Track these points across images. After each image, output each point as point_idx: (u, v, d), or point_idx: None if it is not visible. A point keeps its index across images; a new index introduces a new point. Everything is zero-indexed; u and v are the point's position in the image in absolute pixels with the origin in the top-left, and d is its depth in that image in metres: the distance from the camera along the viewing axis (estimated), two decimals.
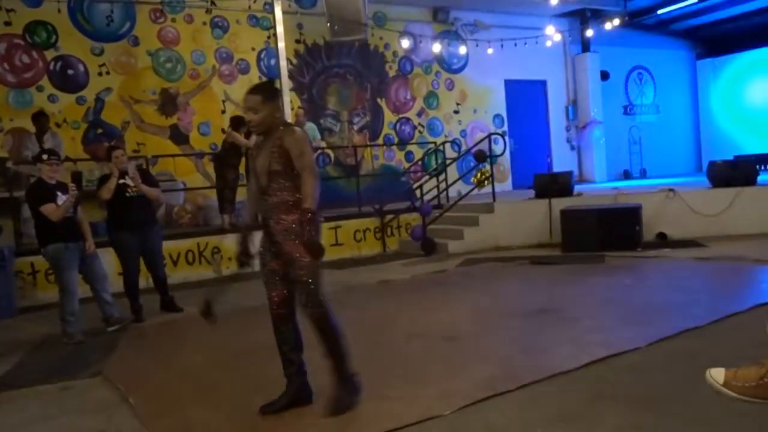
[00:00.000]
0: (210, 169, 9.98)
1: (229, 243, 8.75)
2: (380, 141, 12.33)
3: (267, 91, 3.28)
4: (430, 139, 12.64)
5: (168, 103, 10.23)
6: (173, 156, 9.91)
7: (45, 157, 5.51)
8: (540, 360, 3.86)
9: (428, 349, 4.40)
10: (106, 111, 9.72)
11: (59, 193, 5.36)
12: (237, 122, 9.06)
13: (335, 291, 6.99)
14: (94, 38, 9.65)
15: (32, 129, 8.50)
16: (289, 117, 9.09)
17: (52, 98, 9.30)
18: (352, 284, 7.33)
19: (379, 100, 12.38)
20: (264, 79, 10.92)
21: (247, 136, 9.00)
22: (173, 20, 10.30)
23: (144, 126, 10.02)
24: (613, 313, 4.98)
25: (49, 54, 9.34)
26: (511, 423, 2.93)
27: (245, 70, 10.91)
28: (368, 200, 10.29)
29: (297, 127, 3.31)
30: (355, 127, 12.11)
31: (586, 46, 14.56)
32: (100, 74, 9.66)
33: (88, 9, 9.61)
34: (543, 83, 14.36)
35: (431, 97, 12.98)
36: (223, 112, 10.45)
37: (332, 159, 11.77)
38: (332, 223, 9.64)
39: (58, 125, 9.21)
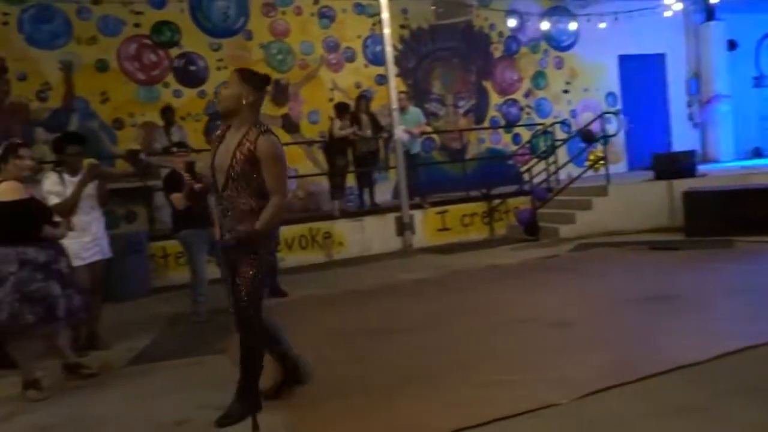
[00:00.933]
0: (320, 156, 10.30)
1: (340, 228, 9.03)
2: (486, 124, 12.13)
3: (249, 74, 3.17)
4: (538, 120, 12.26)
5: (279, 93, 10.65)
6: (285, 144, 10.31)
7: (174, 149, 5.94)
8: (661, 350, 3.68)
9: (539, 335, 4.32)
10: None
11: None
12: (338, 109, 9.27)
13: (442, 275, 7.04)
14: (212, 35, 10.21)
15: (160, 122, 9.17)
16: (395, 103, 9.17)
17: (176, 93, 9.97)
18: (459, 268, 7.32)
19: (484, 82, 12.16)
20: (369, 67, 11.07)
21: (352, 122, 9.19)
22: (283, 13, 10.66)
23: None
24: (743, 303, 4.63)
25: (173, 52, 10.00)
26: (632, 414, 2.83)
27: (351, 58, 11.10)
28: (475, 184, 10.19)
29: (274, 137, 3.14)
30: (461, 111, 11.99)
31: (710, 14, 13.45)
32: (218, 68, 10.21)
33: (206, 7, 10.18)
34: (661, 57, 13.45)
35: (539, 77, 12.57)
36: (331, 100, 10.70)
37: (438, 143, 11.75)
38: (439, 208, 9.66)
39: (182, 118, 9.85)
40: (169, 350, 4.89)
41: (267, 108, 10.50)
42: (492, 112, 12.20)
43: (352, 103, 9.72)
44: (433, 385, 3.43)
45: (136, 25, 9.74)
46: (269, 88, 3.43)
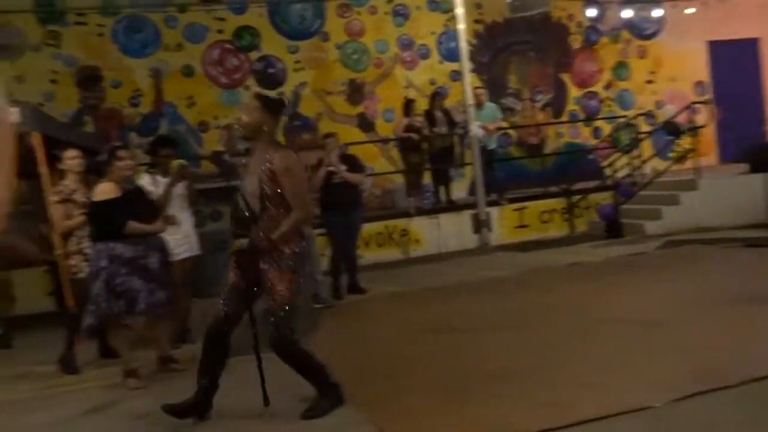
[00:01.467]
0: (395, 154, 10.35)
1: (416, 225, 9.05)
2: (564, 117, 11.80)
3: (267, 99, 3.31)
4: (620, 112, 11.81)
5: (355, 92, 10.79)
6: (361, 143, 10.43)
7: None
8: (758, 354, 3.47)
9: (626, 335, 4.17)
10: (303, 104, 10.53)
11: None
12: (404, 107, 9.26)
13: (521, 273, 6.92)
14: (290, 37, 10.47)
15: None
16: (470, 99, 9.09)
17: None
18: (539, 267, 7.18)
19: (562, 74, 11.83)
20: (444, 63, 11.03)
21: (429, 120, 9.16)
22: (358, 13, 10.79)
23: (335, 116, 10.67)
24: None
25: (253, 55, 10.33)
26: (727, 421, 2.68)
27: (426, 55, 11.09)
28: (554, 180, 9.95)
29: (288, 150, 3.24)
30: (538, 105, 11.73)
31: None
32: (296, 70, 10.47)
33: (284, 11, 10.45)
34: (754, 42, 12.64)
35: (620, 68, 12.09)
36: (406, 98, 10.75)
37: (515, 139, 11.54)
38: (517, 205, 9.50)
39: None
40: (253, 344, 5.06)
41: (342, 107, 10.69)
42: (570, 106, 11.87)
43: (426, 101, 9.70)
44: (516, 385, 3.38)
45: (219, 31, 10.13)
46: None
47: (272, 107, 3.27)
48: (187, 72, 9.94)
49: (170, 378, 4.30)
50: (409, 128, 9.05)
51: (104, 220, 4.17)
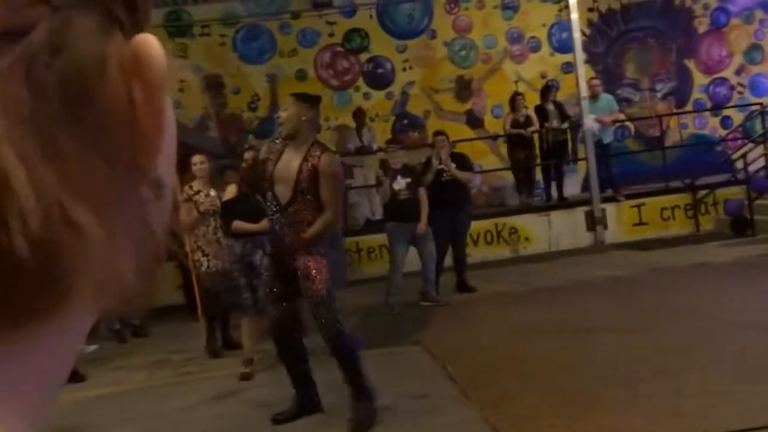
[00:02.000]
0: (504, 150, 10.18)
1: (526, 223, 8.85)
2: (689, 107, 11.04)
3: (303, 94, 3.46)
4: (753, 99, 10.86)
5: (463, 89, 10.72)
6: (469, 140, 10.36)
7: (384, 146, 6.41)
8: None
9: (756, 341, 3.85)
10: (410, 103, 10.63)
11: (399, 177, 6.06)
12: (511, 102, 9.07)
13: (640, 273, 6.58)
14: (398, 37, 10.60)
15: (352, 124, 9.75)
16: (583, 90, 8.74)
17: (366, 96, 10.52)
18: (660, 266, 6.77)
19: (686, 61, 11.07)
20: (555, 55, 10.69)
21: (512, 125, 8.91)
22: (466, 9, 10.71)
23: (443, 114, 10.68)
24: None
25: (363, 57, 10.56)
26: None
27: (536, 48, 10.80)
28: (676, 174, 9.34)
29: (335, 155, 3.35)
30: (659, 94, 11.05)
31: None
32: (404, 69, 10.58)
33: (393, 11, 10.59)
34: None
35: (754, 51, 11.12)
36: (516, 92, 10.54)
37: (632, 131, 10.96)
38: (634, 201, 9.02)
39: (371, 119, 10.38)
40: (366, 340, 5.17)
41: (450, 104, 10.67)
42: (696, 94, 11.08)
43: (537, 95, 9.46)
44: (638, 391, 3.23)
45: (330, 35, 10.45)
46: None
47: (307, 100, 3.47)
48: (301, 76, 10.34)
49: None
50: (514, 124, 8.87)
51: (223, 220, 4.55)
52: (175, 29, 10.04)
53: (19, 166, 0.21)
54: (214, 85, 10.15)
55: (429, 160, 6.64)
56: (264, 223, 4.69)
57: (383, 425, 3.30)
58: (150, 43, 0.25)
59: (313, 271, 3.22)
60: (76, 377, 4.98)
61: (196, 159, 5.24)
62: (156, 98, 0.25)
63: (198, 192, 5.11)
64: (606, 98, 9.26)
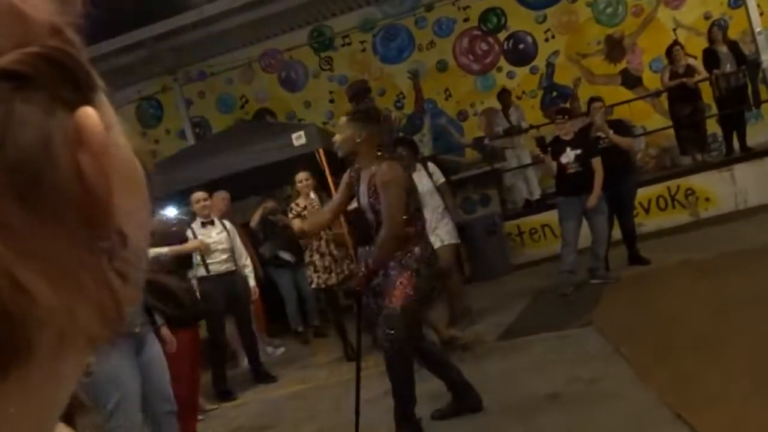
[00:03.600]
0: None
1: (704, 182, 8.03)
2: None
3: (357, 114, 3.20)
4: None
5: (614, 49, 9.98)
6: (627, 102, 9.64)
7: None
8: None
9: None
10: (557, 73, 10.13)
11: (568, 149, 5.86)
12: (667, 52, 8.19)
13: None
14: (535, 8, 10.16)
15: (498, 106, 9.55)
16: (757, 23, 7.69)
17: (510, 75, 10.23)
18: None
19: None
20: None
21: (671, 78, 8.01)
22: None
23: (594, 79, 10.04)
24: None
25: (501, 36, 10.28)
26: None
27: None
28: None
29: (392, 162, 3.01)
30: None
31: None
32: (546, 40, 10.12)
33: None
34: None
35: None
36: (675, 41, 9.59)
37: None
38: None
39: (518, 98, 10.07)
40: (535, 324, 5.07)
41: (601, 68, 10.01)
42: None
43: (703, 39, 8.52)
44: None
45: (465, 20, 10.32)
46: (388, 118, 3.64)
47: (360, 119, 3.23)
48: (441, 67, 10.35)
49: (461, 360, 4.56)
50: (673, 77, 8.06)
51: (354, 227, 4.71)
52: (319, 44, 10.57)
53: None
54: (360, 91, 10.53)
55: (585, 129, 6.31)
56: None
57: (554, 413, 3.21)
58: (87, 113, 0.27)
59: (394, 287, 3.08)
60: (268, 378, 5.51)
61: (301, 176, 5.55)
62: (102, 161, 0.27)
63: (305, 208, 5.38)
64: None
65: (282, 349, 6.54)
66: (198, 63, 10.17)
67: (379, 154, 3.17)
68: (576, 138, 5.96)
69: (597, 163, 5.82)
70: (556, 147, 5.94)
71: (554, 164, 5.87)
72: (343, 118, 3.32)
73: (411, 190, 3.21)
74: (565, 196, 5.87)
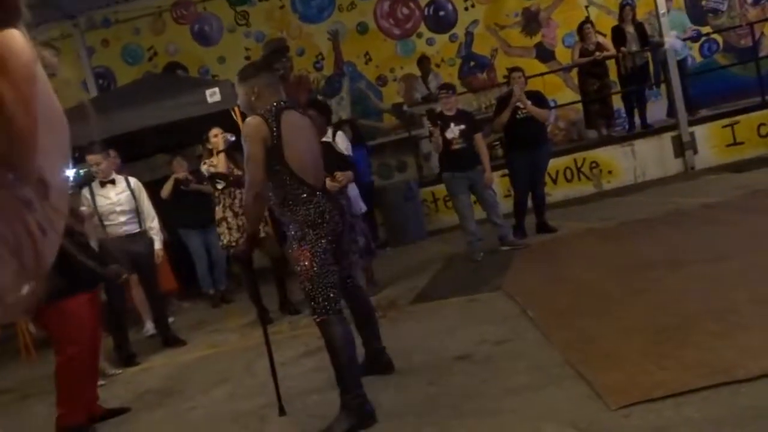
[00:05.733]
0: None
1: (608, 155, 8.45)
2: None
3: (240, 72, 3.12)
4: None
5: (531, 21, 10.21)
6: (541, 75, 9.92)
7: (441, 91, 6.20)
8: None
9: None
10: (476, 43, 10.25)
11: (452, 124, 5.89)
12: (579, 29, 8.49)
13: (739, 197, 6.15)
14: None
15: (418, 73, 9.56)
16: (662, 6, 8.09)
17: (429, 41, 10.24)
18: (761, 188, 6.28)
19: None
20: None
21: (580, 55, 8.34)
22: None
23: (511, 50, 10.24)
24: None
25: (423, 1, 10.24)
26: None
27: None
28: None
29: (257, 117, 2.93)
30: (749, 0, 10.07)
31: None
32: (466, 9, 10.18)
33: None
34: None
35: None
36: (587, 18, 9.92)
37: (720, 45, 10.08)
38: (727, 120, 8.37)
39: (437, 65, 10.12)
40: (447, 289, 5.20)
41: (518, 39, 10.21)
42: None
43: (613, 18, 8.85)
44: (729, 323, 3.05)
45: None
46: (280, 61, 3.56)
47: (244, 76, 3.10)
48: (362, 29, 10.20)
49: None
50: (582, 54, 8.37)
51: None
52: None
53: None
54: (278, 50, 10.20)
55: (503, 99, 6.42)
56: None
57: (463, 374, 3.31)
58: (14, 38, 0.23)
59: (295, 261, 3.01)
60: (177, 342, 5.34)
61: (215, 131, 5.42)
62: (25, 92, 0.24)
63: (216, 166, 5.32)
64: (678, 16, 8.57)
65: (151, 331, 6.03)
66: (102, 9, 9.45)
67: (275, 105, 2.96)
68: (459, 114, 5.98)
69: (479, 139, 5.93)
70: (441, 122, 5.88)
71: (440, 139, 5.83)
72: (236, 79, 3.14)
73: (273, 150, 2.91)
74: (451, 171, 5.89)
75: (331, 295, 2.95)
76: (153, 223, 5.31)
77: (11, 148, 0.23)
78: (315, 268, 2.91)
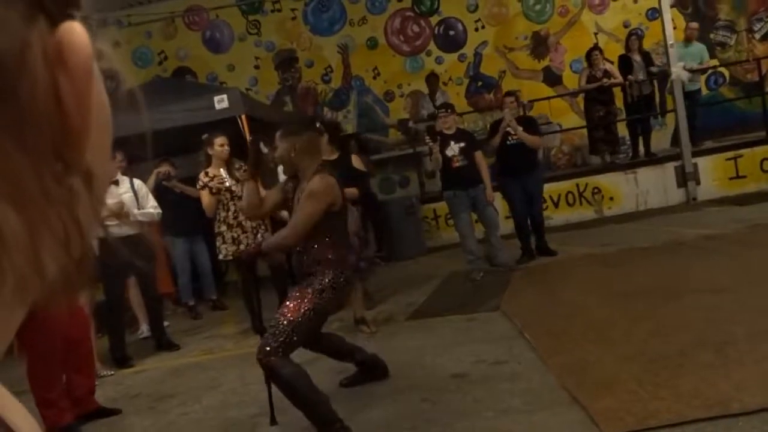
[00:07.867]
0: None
1: (610, 182, 8.48)
2: None
3: (287, 128, 3.13)
4: None
5: (539, 45, 10.29)
6: (547, 98, 9.98)
7: (440, 111, 6.21)
8: None
9: None
10: (484, 64, 10.32)
11: (452, 143, 5.91)
12: (587, 56, 8.55)
13: (740, 230, 6.16)
14: None
15: (425, 89, 9.62)
16: (670, 37, 8.16)
17: (438, 60, 10.32)
18: (762, 222, 6.30)
19: None
20: (638, 2, 10.01)
21: (588, 81, 8.40)
22: None
23: (518, 72, 10.31)
24: None
25: (434, 20, 10.33)
26: None
27: None
28: None
29: (327, 176, 2.96)
30: (757, 36, 10.15)
31: None
32: (476, 29, 10.27)
33: None
34: None
35: None
36: (595, 45, 10.00)
37: (727, 78, 10.16)
38: (730, 153, 8.41)
39: (444, 84, 10.19)
40: (445, 306, 5.19)
41: (526, 62, 10.29)
42: None
43: (620, 46, 8.92)
44: (726, 355, 3.04)
45: (399, 0, 10.28)
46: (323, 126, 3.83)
47: (291, 131, 3.13)
48: (371, 44, 10.27)
49: (371, 338, 4.60)
50: (590, 80, 8.42)
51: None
52: (248, 7, 10.19)
53: None
54: (287, 60, 10.29)
55: (496, 123, 6.46)
56: None
57: (457, 392, 3.30)
58: (74, 30, 0.24)
59: (289, 302, 2.99)
60: (171, 346, 5.32)
61: (222, 140, 5.24)
62: (82, 87, 0.24)
63: (213, 178, 5.18)
64: (698, 48, 8.63)
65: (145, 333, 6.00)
66: (115, 12, 9.53)
67: (320, 167, 3.05)
68: (458, 132, 6.01)
69: (480, 156, 5.94)
70: (440, 141, 5.88)
71: (440, 157, 5.82)
72: (278, 133, 3.14)
73: (339, 214, 3.07)
74: (452, 190, 5.89)
75: (294, 346, 2.93)
76: (151, 209, 5.21)
77: (65, 142, 0.24)
78: (306, 321, 2.93)
